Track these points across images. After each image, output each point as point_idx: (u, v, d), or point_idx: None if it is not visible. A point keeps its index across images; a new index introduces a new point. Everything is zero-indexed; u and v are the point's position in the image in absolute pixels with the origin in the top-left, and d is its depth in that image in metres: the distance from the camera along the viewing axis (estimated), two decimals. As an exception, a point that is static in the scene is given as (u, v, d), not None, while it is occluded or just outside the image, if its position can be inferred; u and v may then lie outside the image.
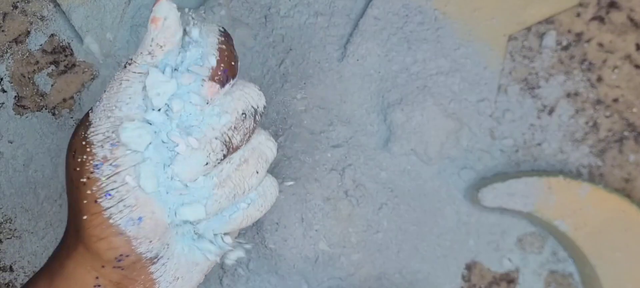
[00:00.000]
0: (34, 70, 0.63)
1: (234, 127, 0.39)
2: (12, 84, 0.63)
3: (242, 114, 0.39)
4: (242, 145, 0.40)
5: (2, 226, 0.63)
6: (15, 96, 0.63)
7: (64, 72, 0.63)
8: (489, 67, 0.60)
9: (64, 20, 0.63)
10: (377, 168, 0.61)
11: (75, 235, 0.38)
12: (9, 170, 0.63)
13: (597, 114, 0.60)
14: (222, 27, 0.40)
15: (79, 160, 0.37)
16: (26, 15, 0.63)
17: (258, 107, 0.40)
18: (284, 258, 0.60)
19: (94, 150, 0.36)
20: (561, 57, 0.61)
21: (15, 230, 0.63)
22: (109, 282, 0.38)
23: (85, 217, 0.36)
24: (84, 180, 0.36)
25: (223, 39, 0.39)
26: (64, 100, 0.63)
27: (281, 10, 0.62)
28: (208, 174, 0.39)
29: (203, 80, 0.38)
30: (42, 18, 0.63)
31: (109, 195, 0.36)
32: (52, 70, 0.63)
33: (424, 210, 0.60)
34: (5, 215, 0.63)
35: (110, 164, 0.36)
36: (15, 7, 0.63)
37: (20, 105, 0.64)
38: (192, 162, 0.38)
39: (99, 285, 0.38)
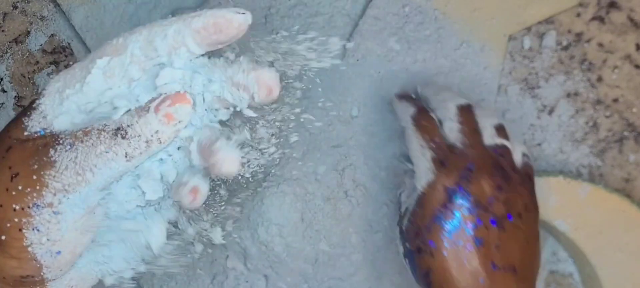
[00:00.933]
0: (34, 70, 0.63)
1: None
2: (12, 84, 0.63)
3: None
4: None
5: None
6: (15, 96, 0.63)
7: (64, 72, 0.63)
8: (489, 67, 0.60)
9: (64, 20, 0.63)
10: (377, 168, 0.61)
11: None
12: (9, 170, 0.63)
13: (597, 114, 0.60)
14: None
15: (19, 187, 0.36)
16: (26, 15, 0.63)
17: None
18: (283, 258, 0.60)
19: (43, 192, 0.36)
20: (561, 57, 0.61)
21: (15, 230, 0.63)
22: (10, 283, 0.39)
23: (3, 237, 0.37)
24: (16, 207, 0.36)
25: None
26: (64, 100, 0.63)
27: (281, 10, 0.62)
28: None
29: None
30: (42, 18, 0.63)
31: (37, 230, 0.36)
32: (52, 70, 0.63)
33: (424, 210, 0.60)
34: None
35: (53, 212, 0.36)
36: (15, 7, 0.63)
37: (20, 105, 0.64)
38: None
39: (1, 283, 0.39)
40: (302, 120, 0.61)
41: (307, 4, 0.62)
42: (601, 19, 0.60)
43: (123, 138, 0.36)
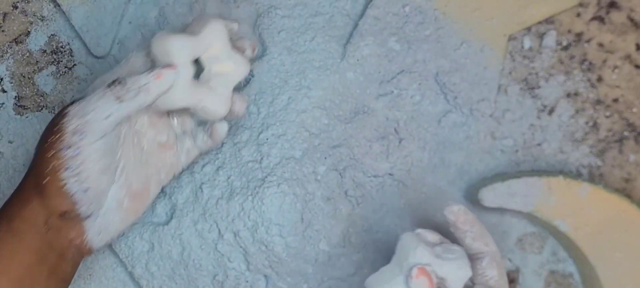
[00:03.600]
0: (34, 70, 0.63)
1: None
2: (12, 84, 0.63)
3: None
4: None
5: None
6: (15, 96, 0.63)
7: (64, 72, 0.63)
8: (489, 67, 0.60)
9: (64, 20, 0.63)
10: (378, 168, 0.61)
11: (34, 189, 0.50)
12: (9, 170, 0.63)
13: (597, 114, 0.60)
14: None
15: (51, 139, 0.49)
16: (26, 15, 0.63)
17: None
18: (283, 258, 0.60)
19: (64, 136, 0.48)
20: (561, 57, 0.61)
21: (15, 230, 0.63)
22: (54, 225, 0.50)
23: (46, 180, 0.49)
24: (49, 155, 0.48)
25: None
26: (64, 100, 0.63)
27: (281, 10, 0.62)
28: None
29: None
30: (42, 18, 0.63)
31: (68, 169, 0.48)
32: (52, 70, 0.63)
33: (424, 210, 0.60)
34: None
35: (75, 149, 0.48)
36: (15, 7, 0.63)
37: (20, 105, 0.64)
38: None
39: (48, 225, 0.50)
40: (302, 120, 0.61)
41: (308, 4, 0.62)
42: (601, 19, 0.60)
43: (118, 84, 0.49)
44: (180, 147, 0.57)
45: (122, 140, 0.53)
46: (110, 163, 0.51)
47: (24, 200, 0.50)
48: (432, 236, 0.52)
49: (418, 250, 0.49)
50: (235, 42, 0.56)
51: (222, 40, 0.54)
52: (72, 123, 0.49)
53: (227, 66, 0.54)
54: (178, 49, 0.51)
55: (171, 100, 0.52)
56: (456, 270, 0.49)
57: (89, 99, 0.49)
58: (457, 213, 0.51)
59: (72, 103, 0.50)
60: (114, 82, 0.49)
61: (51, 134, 0.49)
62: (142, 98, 0.50)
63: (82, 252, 0.52)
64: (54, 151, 0.48)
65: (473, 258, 0.51)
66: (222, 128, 0.56)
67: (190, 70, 0.52)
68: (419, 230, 0.52)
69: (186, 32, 0.54)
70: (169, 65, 0.51)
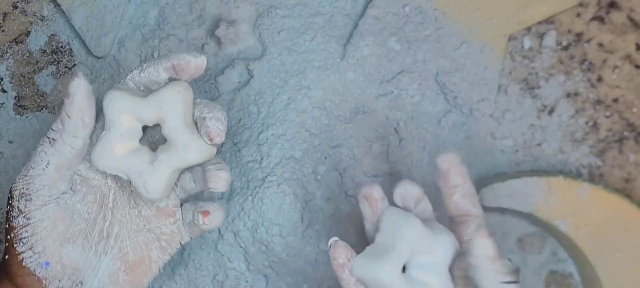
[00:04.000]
0: (34, 70, 0.63)
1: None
2: (12, 84, 0.63)
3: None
4: None
5: (2, 226, 0.63)
6: (15, 96, 0.63)
7: (64, 72, 0.63)
8: (489, 67, 0.60)
9: (64, 20, 0.63)
10: (378, 168, 0.61)
11: (3, 268, 0.46)
12: (9, 170, 0.63)
13: (597, 114, 0.60)
14: None
15: (7, 208, 0.46)
16: (26, 15, 0.63)
17: None
18: (283, 258, 0.60)
19: (13, 203, 0.45)
20: (561, 57, 0.61)
21: (15, 230, 0.63)
22: None
23: (6, 256, 0.45)
24: (7, 226, 0.45)
25: None
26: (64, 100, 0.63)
27: (281, 10, 0.62)
28: None
29: None
30: (42, 18, 0.63)
31: (22, 242, 0.44)
32: (52, 70, 0.63)
33: (424, 210, 0.60)
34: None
35: (24, 217, 0.45)
36: (15, 7, 0.63)
37: (20, 105, 0.64)
38: None
39: None
40: (303, 120, 0.61)
41: (308, 4, 0.62)
42: (601, 19, 0.60)
43: (46, 135, 0.46)
44: (184, 216, 0.50)
45: (112, 204, 0.47)
46: (77, 231, 0.46)
47: (4, 275, 0.46)
48: (414, 190, 0.48)
49: (408, 226, 0.46)
50: (202, 118, 0.47)
51: (174, 112, 0.45)
52: (17, 186, 0.45)
53: (176, 143, 0.46)
54: (113, 106, 0.45)
55: (101, 160, 0.46)
56: (447, 244, 0.46)
57: (31, 156, 0.46)
58: (452, 161, 0.46)
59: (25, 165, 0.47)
60: (51, 131, 0.46)
61: (8, 202, 0.46)
62: (69, 139, 0.45)
63: None
64: (8, 222, 0.45)
65: (457, 222, 0.46)
66: (215, 213, 0.50)
67: (124, 132, 0.46)
68: (402, 187, 0.48)
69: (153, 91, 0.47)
70: (76, 81, 0.46)
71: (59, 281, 0.45)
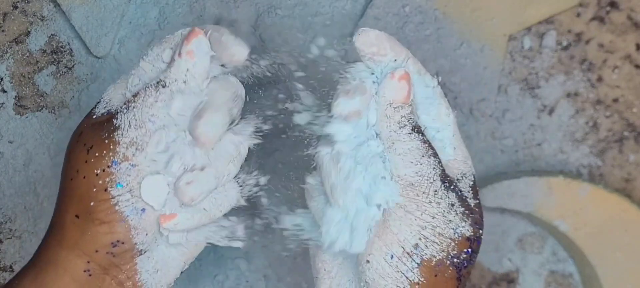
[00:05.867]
0: (34, 70, 0.63)
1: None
2: (12, 84, 0.63)
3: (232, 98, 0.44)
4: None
5: (2, 226, 0.63)
6: (15, 96, 0.63)
7: (64, 72, 0.63)
8: (489, 67, 0.60)
9: (64, 20, 0.63)
10: (377, 168, 0.61)
11: (71, 223, 0.42)
12: (9, 170, 0.63)
13: (597, 114, 0.60)
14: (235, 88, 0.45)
15: (96, 154, 0.42)
16: (26, 15, 0.63)
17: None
18: (283, 258, 0.60)
19: (117, 149, 0.41)
20: (561, 57, 0.61)
21: (15, 230, 0.63)
22: (98, 266, 0.42)
23: (92, 203, 0.41)
24: (98, 171, 0.41)
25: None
26: (64, 100, 0.63)
27: (281, 10, 0.62)
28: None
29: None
30: (42, 18, 0.63)
31: (120, 185, 0.41)
32: (52, 70, 0.63)
33: (424, 210, 0.60)
34: (5, 215, 0.63)
35: (131, 164, 0.41)
36: (15, 7, 0.63)
37: (20, 105, 0.64)
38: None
39: (89, 270, 0.42)
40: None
41: (308, 3, 0.62)
42: (601, 19, 0.60)
43: (164, 86, 0.42)
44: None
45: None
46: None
47: (56, 239, 0.43)
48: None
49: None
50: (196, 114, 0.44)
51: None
52: (127, 134, 0.41)
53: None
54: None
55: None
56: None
57: (139, 106, 0.42)
58: (375, 39, 0.43)
59: (114, 113, 0.43)
60: (158, 83, 0.43)
61: (93, 146, 0.42)
62: (192, 84, 0.43)
63: None
64: (101, 167, 0.41)
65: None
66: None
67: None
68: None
69: None
70: (190, 33, 0.43)
71: (147, 234, 0.42)
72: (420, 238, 0.39)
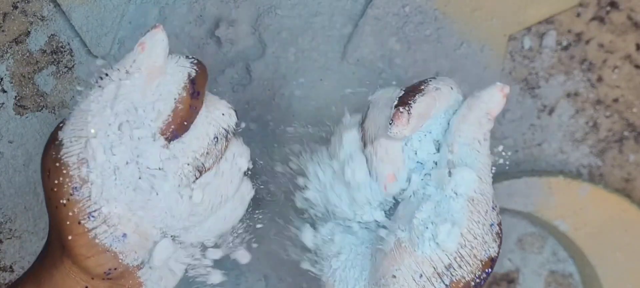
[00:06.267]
0: (34, 70, 0.63)
1: (206, 153, 0.39)
2: (12, 84, 0.63)
3: (214, 138, 0.40)
4: (214, 165, 0.40)
5: (2, 226, 0.63)
6: (16, 96, 0.63)
7: (64, 72, 0.63)
8: (489, 67, 0.60)
9: (64, 20, 0.63)
10: (377, 168, 0.61)
11: (60, 249, 0.39)
12: (9, 170, 0.63)
13: (597, 114, 0.60)
14: (194, 68, 0.40)
15: (56, 181, 0.37)
16: (26, 15, 0.63)
17: (229, 127, 0.41)
18: (283, 258, 0.60)
19: (70, 172, 0.37)
20: (561, 57, 0.61)
21: (15, 230, 0.63)
22: (100, 287, 0.40)
23: (70, 238, 0.37)
24: (64, 202, 0.37)
25: (186, 85, 0.39)
26: (64, 100, 0.63)
27: (281, 10, 0.62)
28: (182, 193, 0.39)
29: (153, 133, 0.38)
30: (42, 18, 0.63)
31: (92, 217, 0.37)
32: (52, 70, 0.63)
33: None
34: (5, 215, 0.63)
35: (90, 185, 0.37)
36: (15, 7, 0.63)
37: (20, 105, 0.64)
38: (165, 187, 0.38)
39: None
40: (303, 120, 0.61)
41: (308, 3, 0.62)
42: (601, 19, 0.60)
43: (102, 80, 0.38)
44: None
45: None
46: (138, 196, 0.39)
47: (52, 259, 0.40)
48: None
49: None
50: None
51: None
52: (71, 151, 0.37)
53: None
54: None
55: None
56: None
57: (76, 111, 0.38)
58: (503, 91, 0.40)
59: (59, 127, 0.39)
60: (96, 80, 0.38)
61: (50, 171, 0.37)
62: (135, 80, 0.38)
63: None
64: (65, 197, 0.37)
65: None
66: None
67: None
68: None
69: None
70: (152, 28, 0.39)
71: (136, 252, 0.39)
72: (455, 259, 0.37)
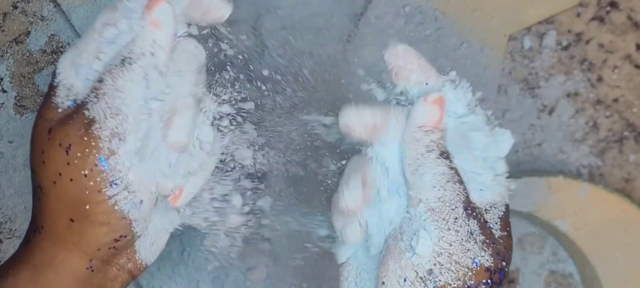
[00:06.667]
0: (34, 70, 0.63)
1: (196, 83, 0.43)
2: (12, 84, 0.63)
3: (197, 68, 0.43)
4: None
5: (2, 226, 0.63)
6: (16, 96, 0.63)
7: (64, 72, 0.63)
8: (489, 67, 0.60)
9: (64, 20, 0.63)
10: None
11: (66, 227, 0.40)
12: (9, 170, 0.63)
13: (597, 114, 0.60)
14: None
15: (78, 154, 0.39)
16: (26, 15, 0.63)
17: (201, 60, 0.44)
18: (284, 258, 0.60)
19: (100, 144, 0.39)
20: (561, 57, 0.61)
21: (15, 230, 0.63)
22: (100, 261, 0.42)
23: (88, 207, 0.39)
24: (86, 172, 0.39)
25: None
26: (64, 100, 0.63)
27: (281, 10, 0.62)
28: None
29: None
30: (42, 18, 0.63)
31: (115, 184, 0.39)
32: (53, 70, 0.63)
33: (424, 210, 0.60)
34: (5, 215, 0.63)
35: (117, 156, 0.39)
36: (15, 7, 0.63)
37: (20, 105, 0.64)
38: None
39: (91, 266, 0.41)
40: (303, 119, 0.61)
41: (308, 3, 0.62)
42: (601, 19, 0.60)
43: (131, 63, 0.40)
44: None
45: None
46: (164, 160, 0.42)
47: (50, 244, 0.41)
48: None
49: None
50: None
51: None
52: (106, 126, 0.39)
53: None
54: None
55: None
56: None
57: (110, 92, 0.40)
58: (404, 55, 0.43)
59: (83, 103, 0.40)
60: (123, 61, 0.40)
61: (71, 146, 0.39)
62: (160, 56, 0.41)
63: (134, 275, 0.44)
64: (89, 167, 0.39)
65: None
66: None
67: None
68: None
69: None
70: (152, 1, 0.41)
71: (145, 220, 0.42)
72: (434, 265, 0.39)
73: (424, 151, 0.41)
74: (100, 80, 0.40)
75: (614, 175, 0.60)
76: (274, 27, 0.62)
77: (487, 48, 0.60)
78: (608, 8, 0.60)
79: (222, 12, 0.44)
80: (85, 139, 0.39)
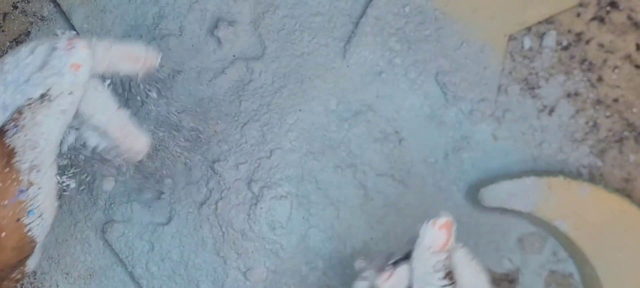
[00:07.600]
0: (34, 70, 0.63)
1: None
2: (12, 84, 0.63)
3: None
4: None
5: None
6: (15, 96, 0.63)
7: (64, 72, 0.63)
8: (489, 67, 0.60)
9: (64, 20, 0.63)
10: (378, 168, 0.61)
11: None
12: None
13: (597, 114, 0.60)
14: None
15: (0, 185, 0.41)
16: (26, 15, 0.63)
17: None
18: (283, 258, 0.60)
19: (20, 177, 0.41)
20: (561, 57, 0.61)
21: None
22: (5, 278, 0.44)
23: (3, 234, 0.41)
24: (5, 203, 0.41)
25: None
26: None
27: (281, 10, 0.62)
28: None
29: None
30: (42, 18, 0.63)
31: (32, 213, 0.41)
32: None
33: (425, 210, 0.60)
34: None
35: (38, 188, 0.41)
36: (15, 7, 0.63)
37: (20, 105, 0.64)
38: None
39: None
40: (303, 119, 0.61)
41: (308, 4, 0.62)
42: (601, 19, 0.60)
43: (51, 100, 0.42)
44: None
45: None
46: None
47: None
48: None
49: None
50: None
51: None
52: (26, 159, 0.41)
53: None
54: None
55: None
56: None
57: (29, 125, 0.42)
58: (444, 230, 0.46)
59: (1, 131, 0.42)
60: (42, 96, 0.42)
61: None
62: (78, 94, 0.43)
63: (19, 280, 0.46)
64: (8, 199, 0.41)
65: None
66: None
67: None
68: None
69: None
70: (76, 46, 0.43)
71: (44, 237, 0.44)
72: None
73: (430, 271, 0.45)
74: (20, 112, 0.42)
75: (614, 175, 0.60)
76: (274, 27, 0.62)
77: (487, 48, 0.60)
78: (608, 8, 0.60)
79: (153, 63, 0.46)
80: (7, 170, 0.41)
